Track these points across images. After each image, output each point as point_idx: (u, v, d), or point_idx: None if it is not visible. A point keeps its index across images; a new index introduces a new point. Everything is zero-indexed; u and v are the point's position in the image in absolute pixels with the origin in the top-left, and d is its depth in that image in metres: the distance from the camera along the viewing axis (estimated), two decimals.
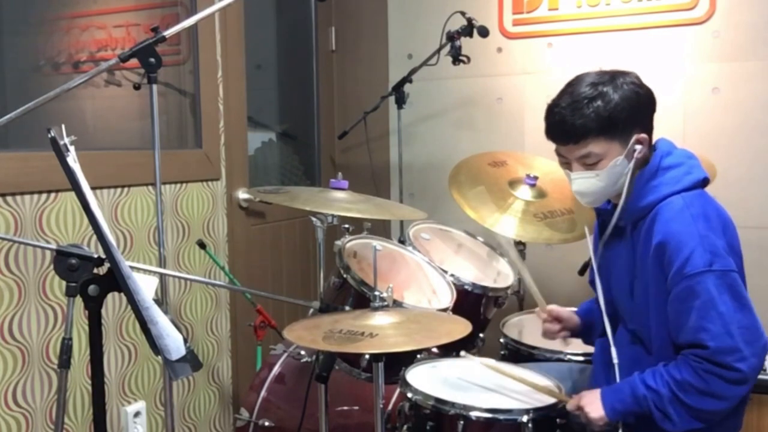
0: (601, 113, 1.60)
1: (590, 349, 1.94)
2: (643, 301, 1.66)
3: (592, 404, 1.61)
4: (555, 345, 2.07)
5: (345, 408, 2.12)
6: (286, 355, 2.28)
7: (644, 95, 1.65)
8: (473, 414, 1.61)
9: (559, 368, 2.01)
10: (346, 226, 2.04)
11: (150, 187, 2.29)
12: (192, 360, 1.37)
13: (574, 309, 2.01)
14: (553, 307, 1.97)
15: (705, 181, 1.66)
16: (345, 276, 1.93)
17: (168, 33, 1.77)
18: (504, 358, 2.16)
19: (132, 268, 1.34)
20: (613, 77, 1.64)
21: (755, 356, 1.51)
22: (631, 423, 1.62)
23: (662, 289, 1.59)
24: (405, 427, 1.72)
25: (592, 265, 1.83)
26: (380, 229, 3.15)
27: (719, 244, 1.54)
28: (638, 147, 1.64)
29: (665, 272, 1.57)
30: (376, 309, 1.68)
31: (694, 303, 1.52)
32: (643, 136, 1.65)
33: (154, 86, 1.81)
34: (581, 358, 2.06)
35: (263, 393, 2.21)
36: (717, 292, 1.51)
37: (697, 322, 1.52)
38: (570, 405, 1.65)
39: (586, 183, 1.68)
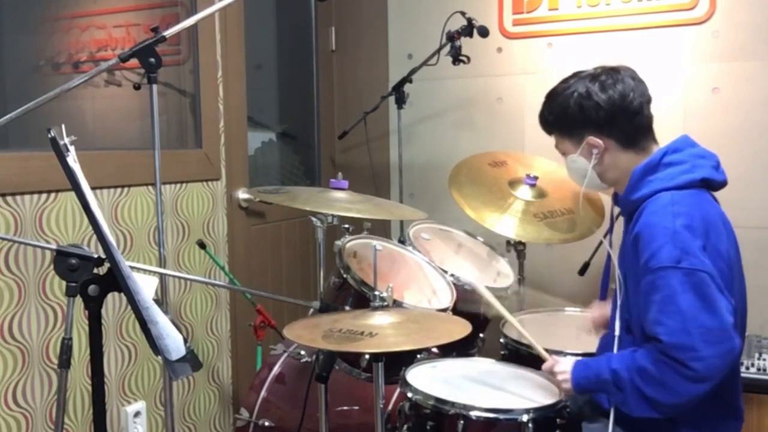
0: (553, 110, 1.80)
1: (590, 348, 1.94)
2: (628, 292, 1.69)
3: (563, 374, 1.69)
4: (555, 345, 2.06)
5: (345, 408, 2.12)
6: (286, 355, 2.28)
7: (591, 106, 1.71)
8: (473, 414, 1.61)
9: None
10: (346, 226, 2.04)
11: (150, 187, 2.29)
12: (192, 360, 1.37)
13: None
14: (596, 317, 2.03)
15: (704, 182, 1.66)
16: (345, 276, 1.93)
17: (168, 33, 1.77)
18: (504, 358, 2.16)
19: (132, 268, 1.34)
20: (582, 79, 1.76)
21: (717, 357, 1.49)
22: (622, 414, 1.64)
23: (637, 280, 1.62)
24: (405, 427, 1.72)
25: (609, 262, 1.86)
26: (380, 229, 3.14)
27: (693, 244, 1.54)
28: (594, 150, 1.74)
29: (638, 263, 1.60)
30: (375, 309, 1.68)
31: (655, 297, 1.54)
32: (595, 140, 1.73)
33: (154, 86, 1.81)
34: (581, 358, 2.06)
35: (263, 393, 2.21)
36: (680, 289, 1.51)
37: (656, 316, 1.54)
38: (545, 366, 1.75)
39: (567, 170, 1.87)
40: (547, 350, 2.08)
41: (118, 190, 2.20)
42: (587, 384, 1.65)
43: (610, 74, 1.73)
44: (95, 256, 1.36)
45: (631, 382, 1.57)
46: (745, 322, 1.73)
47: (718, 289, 1.53)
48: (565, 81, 1.79)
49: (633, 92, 1.71)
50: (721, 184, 1.70)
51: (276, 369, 2.25)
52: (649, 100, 1.75)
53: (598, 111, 1.72)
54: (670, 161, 1.67)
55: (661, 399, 1.54)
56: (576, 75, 1.78)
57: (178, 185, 2.44)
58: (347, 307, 1.90)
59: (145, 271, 1.63)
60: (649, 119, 1.75)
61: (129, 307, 1.46)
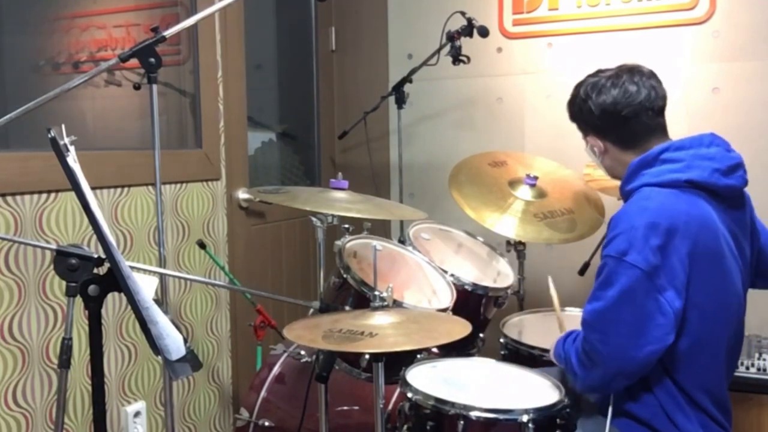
0: (568, 107, 1.87)
1: None
2: None
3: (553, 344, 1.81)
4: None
5: (345, 408, 2.12)
6: (286, 355, 2.28)
7: (587, 110, 1.77)
8: (473, 414, 1.61)
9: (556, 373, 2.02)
10: (346, 226, 2.04)
11: (150, 187, 2.29)
12: (192, 360, 1.37)
13: None
14: None
15: (691, 183, 1.62)
16: (345, 276, 1.93)
17: (168, 33, 1.77)
18: (504, 358, 2.16)
19: (132, 268, 1.34)
20: (591, 79, 1.80)
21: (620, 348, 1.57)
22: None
23: None
24: (405, 427, 1.72)
25: None
26: (380, 229, 3.15)
27: (648, 242, 1.54)
28: (595, 149, 1.81)
29: None
30: (375, 309, 1.68)
31: (597, 280, 1.62)
32: (595, 140, 1.80)
33: (154, 86, 1.81)
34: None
35: (263, 393, 2.21)
36: (614, 279, 1.56)
37: (591, 294, 1.62)
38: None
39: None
40: (545, 350, 2.09)
41: (118, 190, 2.20)
42: (556, 358, 1.77)
43: (612, 78, 1.75)
44: (95, 256, 1.36)
45: (565, 354, 1.69)
46: (731, 318, 1.67)
47: (656, 288, 1.53)
48: (583, 79, 1.84)
49: (629, 98, 1.71)
50: (725, 189, 1.66)
51: (276, 369, 2.25)
52: (652, 106, 1.73)
53: (591, 115, 1.77)
54: (666, 158, 1.66)
55: (578, 373, 1.64)
56: (595, 73, 1.82)
57: (178, 185, 2.44)
58: (347, 307, 1.90)
59: (145, 271, 1.63)
60: (646, 125, 1.73)
61: (129, 307, 1.46)
